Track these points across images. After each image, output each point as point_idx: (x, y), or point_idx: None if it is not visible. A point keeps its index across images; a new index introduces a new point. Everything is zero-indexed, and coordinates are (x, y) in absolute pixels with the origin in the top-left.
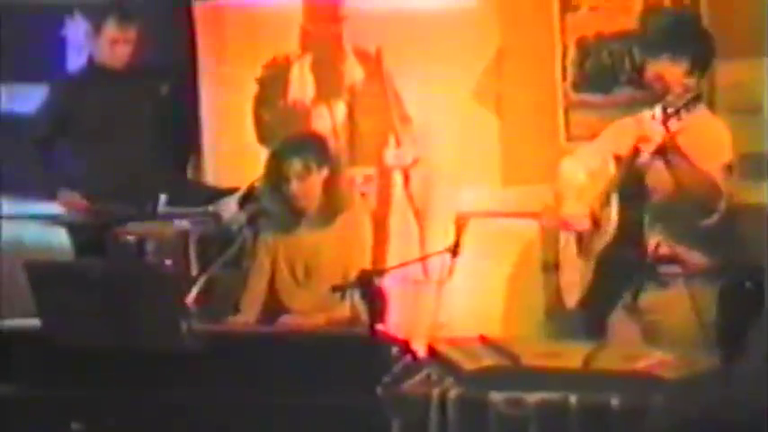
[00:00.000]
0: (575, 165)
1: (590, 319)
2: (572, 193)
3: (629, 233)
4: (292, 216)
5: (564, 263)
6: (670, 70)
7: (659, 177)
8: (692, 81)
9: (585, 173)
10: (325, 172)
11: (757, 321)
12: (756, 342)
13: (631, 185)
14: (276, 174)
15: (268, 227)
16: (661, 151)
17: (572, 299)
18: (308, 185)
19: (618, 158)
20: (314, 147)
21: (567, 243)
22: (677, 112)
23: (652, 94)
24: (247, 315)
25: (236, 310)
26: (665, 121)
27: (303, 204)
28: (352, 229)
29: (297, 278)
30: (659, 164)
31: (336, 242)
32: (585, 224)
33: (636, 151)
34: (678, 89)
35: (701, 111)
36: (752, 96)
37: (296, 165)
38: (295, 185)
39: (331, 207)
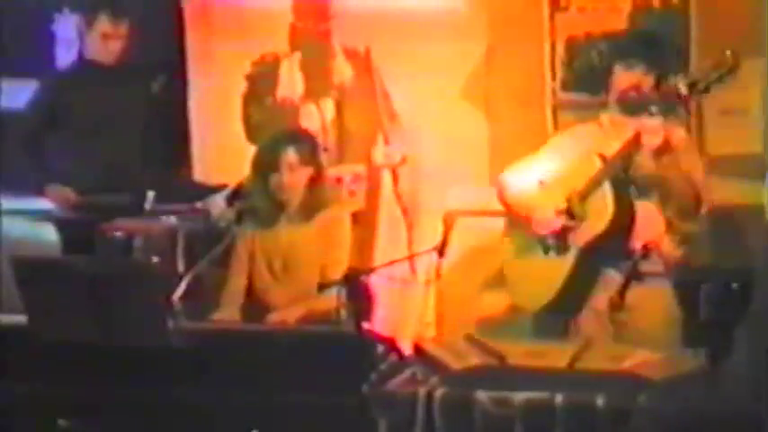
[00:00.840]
0: (523, 176)
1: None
2: (533, 200)
3: (622, 223)
4: (273, 210)
5: (520, 270)
6: (645, 80)
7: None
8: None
9: (539, 180)
10: (311, 168)
11: (743, 321)
12: (742, 342)
13: (621, 176)
14: (267, 164)
15: (250, 221)
16: (663, 147)
17: (537, 303)
18: (295, 179)
19: (602, 157)
20: (306, 142)
21: (524, 249)
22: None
23: (626, 102)
24: (228, 310)
25: (216, 306)
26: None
27: (286, 198)
28: (331, 227)
29: (274, 273)
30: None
31: (315, 239)
32: (558, 223)
33: (635, 143)
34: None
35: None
36: (743, 96)
37: (291, 155)
38: (285, 176)
39: (312, 204)
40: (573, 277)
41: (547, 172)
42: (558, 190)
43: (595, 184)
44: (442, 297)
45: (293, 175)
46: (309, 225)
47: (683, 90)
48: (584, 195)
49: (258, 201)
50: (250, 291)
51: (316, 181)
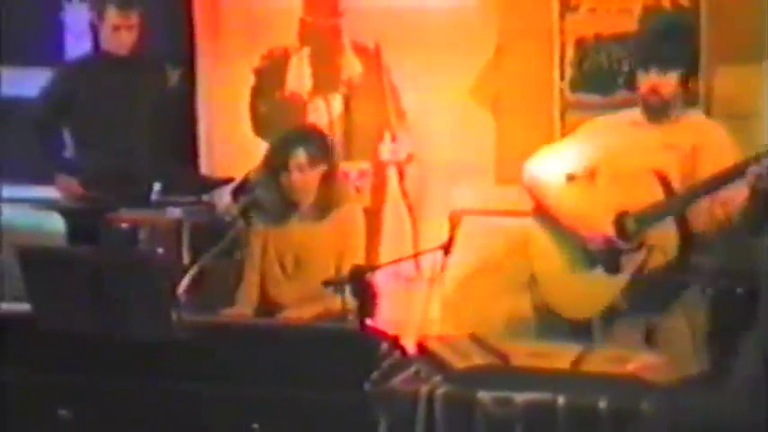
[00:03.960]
0: (549, 168)
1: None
2: (578, 205)
3: (686, 256)
4: (286, 208)
5: (558, 276)
6: (663, 82)
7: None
8: None
9: (568, 173)
10: (323, 167)
11: (749, 327)
12: (749, 349)
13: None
14: (277, 163)
15: (261, 217)
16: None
17: (585, 311)
18: (307, 178)
19: (662, 177)
20: (317, 140)
21: (561, 255)
22: None
23: (648, 106)
24: (243, 307)
25: (231, 302)
26: None
27: (299, 197)
28: (345, 225)
29: (286, 271)
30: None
31: (329, 237)
32: (610, 238)
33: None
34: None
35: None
36: (750, 101)
37: (300, 155)
38: (295, 176)
39: (326, 202)
40: (624, 300)
41: (576, 166)
42: (605, 198)
43: (660, 215)
44: (447, 295)
45: (303, 175)
46: (323, 223)
47: None
48: (644, 222)
49: (269, 197)
50: (261, 288)
51: (329, 178)
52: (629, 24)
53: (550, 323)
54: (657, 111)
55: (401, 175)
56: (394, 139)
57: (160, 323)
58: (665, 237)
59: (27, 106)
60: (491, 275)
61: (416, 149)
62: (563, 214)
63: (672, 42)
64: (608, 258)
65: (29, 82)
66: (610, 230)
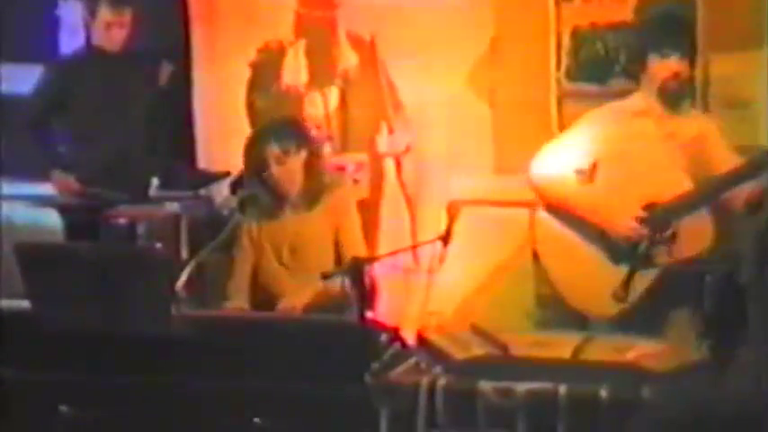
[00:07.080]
0: (553, 164)
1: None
2: (596, 201)
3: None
4: (276, 201)
5: (573, 272)
6: (682, 67)
7: None
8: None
9: (576, 169)
10: (303, 154)
11: (754, 314)
12: (750, 335)
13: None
14: (255, 162)
15: (253, 213)
16: None
17: (603, 311)
18: (287, 169)
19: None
20: (290, 130)
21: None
22: None
23: (667, 93)
24: (236, 302)
25: (225, 297)
26: None
27: (285, 188)
28: (337, 210)
29: (284, 262)
30: None
31: (323, 224)
32: (641, 232)
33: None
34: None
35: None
36: (747, 89)
37: (274, 149)
38: (275, 170)
39: (313, 189)
40: (654, 293)
41: (582, 160)
42: (626, 193)
43: (690, 207)
44: (446, 286)
45: (283, 168)
46: (314, 211)
47: None
48: (672, 213)
49: (257, 193)
50: (257, 282)
51: (312, 164)
52: (625, 13)
53: (550, 311)
54: (677, 97)
55: (399, 166)
56: (391, 131)
57: (159, 318)
58: (698, 226)
59: (22, 103)
60: (490, 266)
61: (414, 141)
62: (583, 210)
63: (684, 28)
64: (635, 252)
65: (25, 79)
66: (636, 223)
